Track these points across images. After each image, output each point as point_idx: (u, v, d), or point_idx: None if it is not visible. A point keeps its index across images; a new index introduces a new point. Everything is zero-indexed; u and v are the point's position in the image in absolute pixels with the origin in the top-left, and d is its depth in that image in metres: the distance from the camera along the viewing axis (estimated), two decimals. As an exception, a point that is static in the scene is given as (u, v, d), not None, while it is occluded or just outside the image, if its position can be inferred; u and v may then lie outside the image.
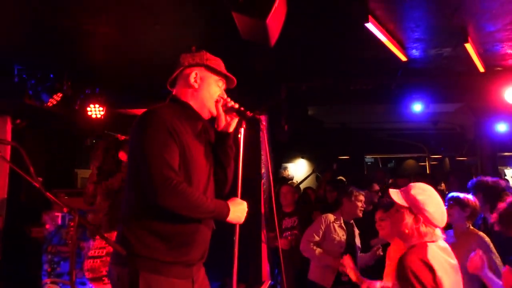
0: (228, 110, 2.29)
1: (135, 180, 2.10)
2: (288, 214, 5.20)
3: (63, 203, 1.82)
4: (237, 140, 2.36)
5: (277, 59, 5.16)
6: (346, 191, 4.36)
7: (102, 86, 5.91)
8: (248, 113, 2.29)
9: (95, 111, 5.77)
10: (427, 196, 2.22)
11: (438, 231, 2.23)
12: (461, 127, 9.52)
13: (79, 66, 5.27)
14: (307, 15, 3.84)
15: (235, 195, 2.31)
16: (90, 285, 3.88)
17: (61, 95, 5.16)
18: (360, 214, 4.32)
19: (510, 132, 7.30)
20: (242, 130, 2.32)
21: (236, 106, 2.30)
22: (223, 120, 2.30)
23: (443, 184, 8.69)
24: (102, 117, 5.83)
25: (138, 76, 5.50)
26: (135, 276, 2.00)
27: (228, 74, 2.33)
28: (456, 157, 11.34)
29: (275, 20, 2.90)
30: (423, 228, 2.17)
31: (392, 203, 2.32)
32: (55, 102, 5.20)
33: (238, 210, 2.21)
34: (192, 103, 2.25)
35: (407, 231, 2.19)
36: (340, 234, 4.24)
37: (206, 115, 2.29)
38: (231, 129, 2.33)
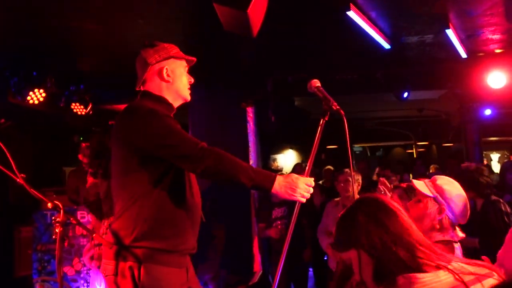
0: None
1: (132, 171, 2.10)
2: (278, 204, 5.23)
3: (48, 198, 1.82)
4: None
5: (262, 51, 5.17)
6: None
7: (88, 83, 5.86)
8: None
9: (80, 108, 5.73)
10: (454, 187, 2.17)
11: (458, 231, 2.16)
12: (446, 114, 9.63)
13: (63, 63, 5.23)
14: (290, 5, 3.85)
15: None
16: (95, 274, 3.80)
17: (43, 92, 5.11)
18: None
19: (494, 117, 7.41)
20: None
21: None
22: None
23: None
24: (86, 113, 5.79)
25: (122, 72, 5.45)
26: (137, 268, 2.02)
27: (188, 57, 2.35)
28: (442, 143, 11.48)
29: (257, 11, 2.91)
30: (445, 221, 2.10)
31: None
32: (41, 100, 5.15)
33: (288, 179, 2.04)
34: (166, 96, 2.28)
35: (429, 221, 2.11)
36: None
37: (177, 105, 2.34)
38: None
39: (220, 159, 1.99)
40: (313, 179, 2.12)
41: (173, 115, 2.29)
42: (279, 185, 2.01)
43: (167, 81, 2.26)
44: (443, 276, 1.37)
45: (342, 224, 1.51)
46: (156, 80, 2.27)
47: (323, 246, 4.52)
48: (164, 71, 2.25)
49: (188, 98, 2.34)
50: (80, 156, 4.28)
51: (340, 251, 1.51)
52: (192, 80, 2.35)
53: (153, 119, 2.09)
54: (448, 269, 1.39)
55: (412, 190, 2.54)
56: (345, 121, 2.05)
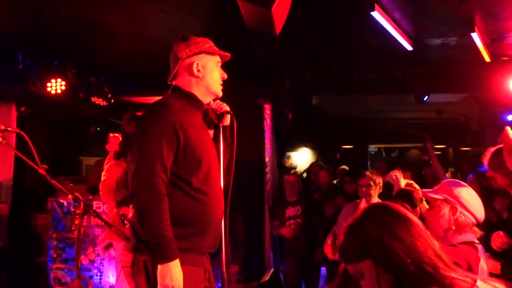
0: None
1: None
2: (292, 203, 5.22)
3: (68, 190, 1.83)
4: (232, 132, 2.42)
5: (281, 48, 5.13)
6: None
7: (107, 74, 5.90)
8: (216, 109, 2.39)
9: (99, 99, 5.77)
10: (462, 186, 2.21)
11: (477, 229, 2.18)
12: (465, 117, 9.46)
13: (84, 54, 5.26)
14: (312, 3, 3.81)
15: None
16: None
17: (64, 82, 5.16)
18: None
19: (515, 123, 7.26)
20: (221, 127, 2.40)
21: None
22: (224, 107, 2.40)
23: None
24: (107, 104, 5.83)
25: (142, 64, 5.49)
26: (151, 263, 2.02)
27: (222, 52, 2.33)
28: (459, 147, 11.30)
29: (281, 8, 2.88)
30: (461, 219, 2.12)
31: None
32: (60, 91, 5.19)
33: (177, 272, 1.98)
34: (195, 92, 2.26)
35: (445, 224, 2.13)
36: None
37: (208, 101, 2.33)
38: (228, 122, 2.40)
39: (151, 202, 1.97)
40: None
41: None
42: (168, 268, 1.96)
43: (197, 77, 2.24)
44: None
45: (349, 235, 1.34)
46: (186, 75, 2.25)
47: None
48: (195, 66, 2.23)
49: (220, 94, 2.32)
50: (107, 147, 4.29)
51: (350, 263, 1.34)
52: (225, 76, 2.33)
53: (154, 123, 2.07)
54: None
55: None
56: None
